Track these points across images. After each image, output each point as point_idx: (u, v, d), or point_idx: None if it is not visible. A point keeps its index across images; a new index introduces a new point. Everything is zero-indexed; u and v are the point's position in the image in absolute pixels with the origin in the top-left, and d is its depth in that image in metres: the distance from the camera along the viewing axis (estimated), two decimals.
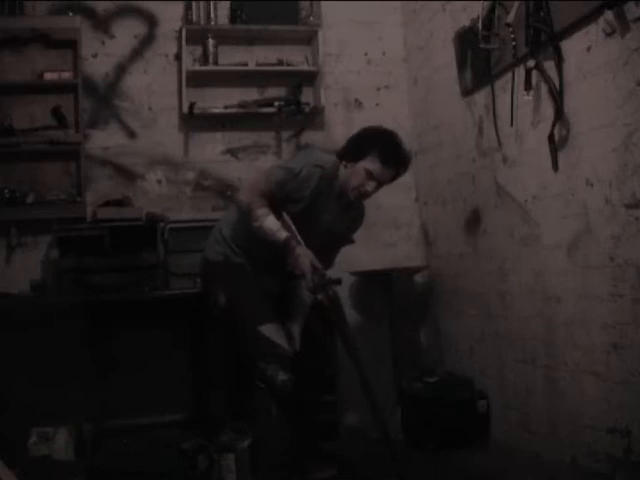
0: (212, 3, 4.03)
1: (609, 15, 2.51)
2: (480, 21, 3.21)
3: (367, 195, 2.96)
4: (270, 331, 2.87)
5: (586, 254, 2.79)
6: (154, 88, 4.05)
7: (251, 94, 4.15)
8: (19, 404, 3.22)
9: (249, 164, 4.15)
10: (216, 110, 4.06)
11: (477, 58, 3.43)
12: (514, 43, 2.99)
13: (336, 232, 3.04)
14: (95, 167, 3.93)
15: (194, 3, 4.00)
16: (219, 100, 4.09)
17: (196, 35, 4.00)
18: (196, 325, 3.65)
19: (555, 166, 2.92)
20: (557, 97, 2.84)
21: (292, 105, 4.10)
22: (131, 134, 4.02)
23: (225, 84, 4.13)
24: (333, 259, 3.13)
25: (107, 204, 3.78)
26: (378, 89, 4.38)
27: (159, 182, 4.05)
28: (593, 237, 2.74)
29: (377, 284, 4.08)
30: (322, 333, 3.12)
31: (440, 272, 4.12)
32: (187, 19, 4.01)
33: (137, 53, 4.04)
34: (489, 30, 3.20)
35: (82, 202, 3.76)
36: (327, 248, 3.01)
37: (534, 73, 2.93)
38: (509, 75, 3.15)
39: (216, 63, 4.03)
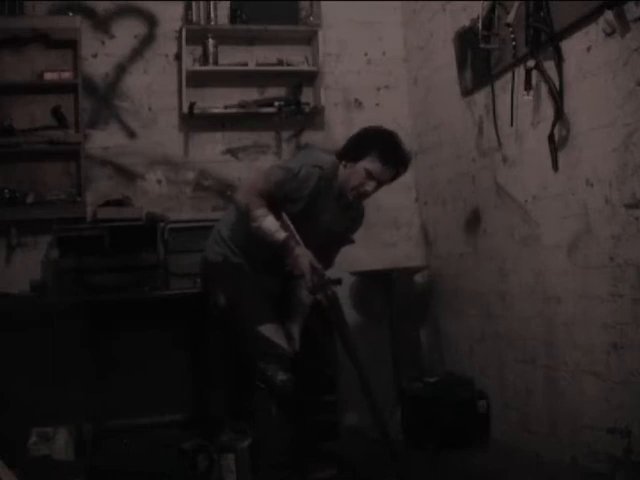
0: (212, 3, 4.03)
1: (609, 15, 2.51)
2: (480, 21, 3.21)
3: (367, 195, 2.96)
4: (270, 331, 2.87)
5: (586, 254, 2.79)
6: (154, 88, 4.05)
7: (251, 94, 4.15)
8: (19, 404, 3.22)
9: (249, 164, 4.15)
10: (216, 110, 4.06)
11: (477, 58, 3.43)
12: (514, 43, 2.99)
13: (335, 232, 3.04)
14: (95, 167, 3.93)
15: (194, 3, 4.00)
16: (219, 100, 4.09)
17: (196, 35, 4.00)
18: (196, 325, 3.65)
19: (555, 166, 2.92)
20: (557, 97, 2.84)
21: (292, 105, 4.10)
22: (131, 134, 4.02)
23: (225, 84, 4.13)
24: (333, 259, 3.13)
25: (107, 204, 3.78)
26: (378, 89, 4.38)
27: (159, 182, 4.05)
28: (593, 237, 2.74)
29: (377, 284, 4.08)
30: (322, 333, 3.11)
31: (440, 272, 4.12)
32: (187, 19, 4.01)
33: (137, 53, 4.04)
34: (489, 30, 3.20)
35: (82, 202, 3.76)
36: (327, 248, 3.01)
37: (534, 73, 2.93)
38: (509, 75, 3.15)
39: (216, 63, 4.03)
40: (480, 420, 3.51)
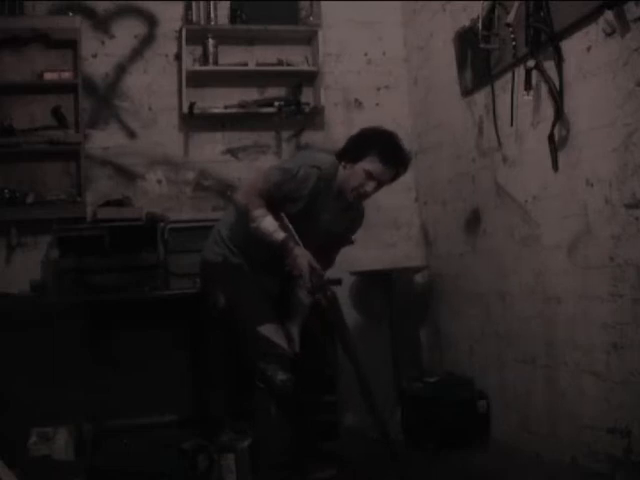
0: (212, 3, 4.03)
1: (609, 15, 2.51)
2: (480, 21, 3.21)
3: (366, 196, 2.96)
4: (270, 331, 2.87)
5: (586, 254, 2.79)
6: (154, 88, 4.05)
7: (251, 94, 4.15)
8: (19, 404, 3.22)
9: (249, 164, 4.14)
10: (216, 110, 4.06)
11: (477, 58, 3.43)
12: (514, 43, 2.99)
13: (335, 232, 3.04)
14: (95, 167, 3.93)
15: (194, 3, 3.99)
16: (219, 100, 4.09)
17: (196, 35, 4.00)
18: (196, 325, 3.65)
19: (555, 166, 2.92)
20: (557, 97, 2.84)
21: (292, 105, 4.10)
22: (131, 134, 4.02)
23: (225, 84, 4.13)
24: (333, 259, 3.13)
25: (107, 204, 3.78)
26: (378, 89, 4.38)
27: (159, 182, 4.05)
28: (593, 237, 2.74)
29: (377, 284, 4.08)
30: (322, 333, 3.11)
31: (440, 272, 4.12)
32: (187, 19, 4.01)
33: (137, 53, 4.04)
34: (489, 30, 3.20)
35: (82, 202, 3.76)
36: (326, 248, 3.01)
37: (534, 73, 2.93)
38: (509, 75, 3.15)
39: (216, 63, 4.03)
40: (480, 420, 3.50)
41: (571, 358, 2.92)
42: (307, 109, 4.14)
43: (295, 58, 4.20)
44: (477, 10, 3.25)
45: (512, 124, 3.20)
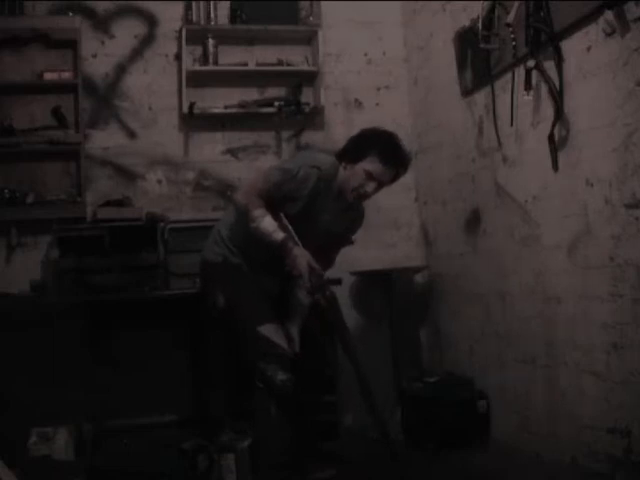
0: (212, 3, 4.03)
1: (609, 15, 2.51)
2: (480, 21, 3.21)
3: (367, 196, 2.96)
4: (269, 331, 2.87)
5: (586, 254, 2.79)
6: (154, 88, 4.05)
7: (251, 94, 4.15)
8: (19, 404, 3.23)
9: (249, 164, 4.14)
10: (216, 110, 4.06)
11: (477, 58, 3.43)
12: (514, 43, 2.99)
13: (335, 233, 3.04)
14: (95, 167, 3.93)
15: (194, 3, 3.99)
16: (219, 100, 4.09)
17: (196, 35, 4.00)
18: (196, 325, 3.65)
19: (555, 166, 2.92)
20: (557, 97, 2.84)
21: (292, 105, 4.10)
22: (131, 134, 4.02)
23: (225, 84, 4.13)
24: (333, 260, 3.13)
25: (107, 204, 3.78)
26: (378, 89, 4.38)
27: (159, 182, 4.05)
28: (593, 237, 2.74)
29: (377, 284, 4.08)
30: (321, 333, 3.11)
31: (440, 272, 4.12)
32: (187, 19, 4.01)
33: (137, 53, 4.04)
34: (489, 30, 3.20)
35: (82, 202, 3.76)
36: (326, 249, 3.01)
37: (534, 73, 2.93)
38: (509, 75, 3.15)
39: (216, 63, 4.03)
40: (480, 420, 3.50)
41: (571, 358, 2.92)
42: (307, 109, 4.14)
43: (295, 58, 4.20)
44: (477, 10, 3.25)
45: (512, 124, 3.20)
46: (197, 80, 4.04)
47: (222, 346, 3.43)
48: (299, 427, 2.99)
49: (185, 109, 3.95)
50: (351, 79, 4.35)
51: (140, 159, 4.02)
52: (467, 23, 3.49)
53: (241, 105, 4.09)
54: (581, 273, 2.83)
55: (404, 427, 3.61)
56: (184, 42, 3.98)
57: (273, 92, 4.20)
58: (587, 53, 2.69)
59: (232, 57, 4.11)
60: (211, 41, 4.00)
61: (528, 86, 2.96)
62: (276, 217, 2.87)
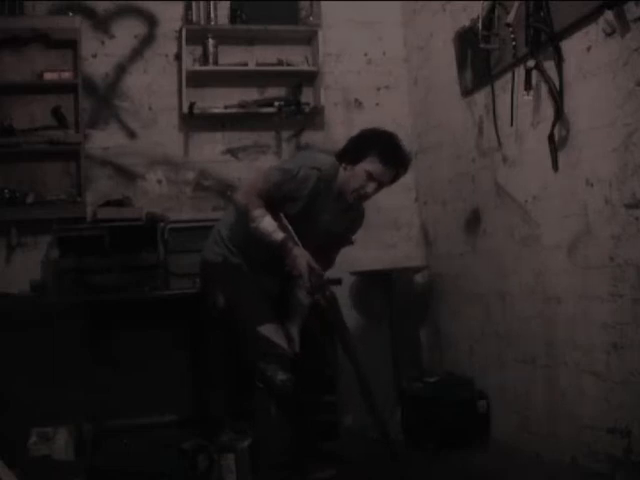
0: (212, 3, 4.03)
1: (609, 15, 2.51)
2: (480, 21, 3.21)
3: (367, 197, 2.96)
4: (269, 331, 2.87)
5: (586, 254, 2.79)
6: (154, 88, 4.05)
7: (251, 94, 4.15)
8: (19, 404, 3.22)
9: (249, 164, 4.14)
10: (216, 110, 4.06)
11: (477, 58, 3.43)
12: (514, 43, 2.99)
13: (335, 233, 3.04)
14: (95, 167, 3.93)
15: (194, 3, 3.99)
16: (219, 100, 4.09)
17: (196, 35, 4.00)
18: (196, 325, 3.65)
19: (555, 166, 2.92)
20: (557, 97, 2.84)
21: (292, 105, 4.10)
22: (131, 134, 4.02)
23: (225, 84, 4.13)
24: (333, 260, 3.13)
25: (107, 204, 3.78)
26: (378, 89, 4.38)
27: (159, 182, 4.05)
28: (593, 237, 2.74)
29: (377, 284, 4.09)
30: (321, 333, 3.11)
31: (440, 272, 4.12)
32: (187, 19, 4.01)
33: (137, 53, 4.04)
34: (489, 30, 3.20)
35: (82, 202, 3.76)
36: (326, 249, 3.01)
37: (534, 73, 2.93)
38: (509, 75, 3.15)
39: (216, 63, 4.03)
40: (480, 420, 3.50)
41: (571, 358, 2.92)
42: (307, 109, 4.14)
43: (295, 58, 4.20)
44: (477, 10, 3.25)
45: (512, 124, 3.20)
46: (197, 80, 4.04)
47: (222, 346, 3.43)
48: (299, 427, 2.99)
49: (185, 109, 3.96)
50: (351, 79, 4.35)
51: (140, 159, 4.02)
52: (467, 23, 3.49)
53: (241, 105, 4.09)
54: (581, 273, 2.83)
55: (404, 427, 3.61)
56: (184, 42, 3.98)
57: (273, 92, 4.20)
58: (587, 53, 2.69)
59: (232, 57, 4.11)
60: (211, 41, 4.00)
61: (528, 86, 2.96)
62: (276, 217, 2.87)
